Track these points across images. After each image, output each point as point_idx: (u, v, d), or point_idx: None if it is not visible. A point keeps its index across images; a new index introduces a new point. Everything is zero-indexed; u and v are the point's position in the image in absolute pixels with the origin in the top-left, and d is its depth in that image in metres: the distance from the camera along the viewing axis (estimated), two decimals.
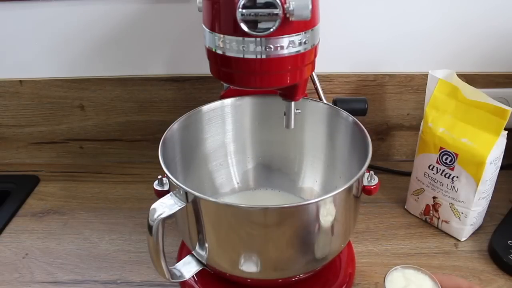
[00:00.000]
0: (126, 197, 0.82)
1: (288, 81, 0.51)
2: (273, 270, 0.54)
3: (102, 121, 0.89)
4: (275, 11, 0.43)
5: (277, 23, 0.44)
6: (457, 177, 0.66)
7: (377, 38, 0.81)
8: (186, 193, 0.49)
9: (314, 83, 0.74)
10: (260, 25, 0.45)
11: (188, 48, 0.83)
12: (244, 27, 0.44)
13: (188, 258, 0.58)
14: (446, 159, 0.67)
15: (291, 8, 0.43)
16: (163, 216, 0.48)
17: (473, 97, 0.65)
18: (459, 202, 0.67)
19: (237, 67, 0.49)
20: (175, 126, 0.61)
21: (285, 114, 0.60)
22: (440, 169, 0.68)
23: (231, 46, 0.47)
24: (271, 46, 0.46)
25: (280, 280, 0.56)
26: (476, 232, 0.71)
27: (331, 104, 0.66)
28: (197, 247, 0.55)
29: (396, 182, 0.83)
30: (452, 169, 0.66)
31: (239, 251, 0.52)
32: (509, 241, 0.67)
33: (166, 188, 0.55)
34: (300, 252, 0.53)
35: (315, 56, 0.52)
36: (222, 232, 0.53)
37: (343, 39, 0.81)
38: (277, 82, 0.51)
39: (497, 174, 0.67)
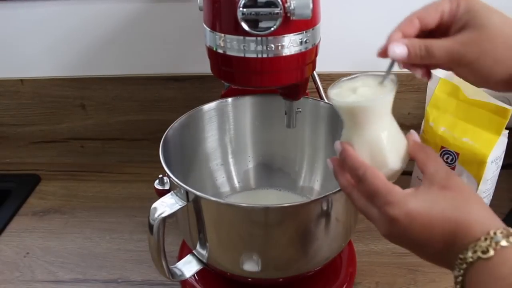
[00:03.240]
0: (127, 196, 0.82)
1: (289, 81, 0.51)
2: (274, 269, 0.54)
3: (103, 120, 0.89)
4: (276, 10, 0.43)
5: (278, 22, 0.44)
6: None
7: (378, 37, 0.81)
8: (187, 192, 0.49)
9: (315, 82, 0.73)
10: (261, 24, 0.45)
11: (189, 47, 0.83)
12: (245, 26, 0.44)
13: (188, 257, 0.58)
14: (447, 158, 0.66)
15: (292, 7, 0.43)
16: (164, 215, 0.48)
17: (475, 96, 0.65)
18: None
19: (238, 66, 0.49)
20: (176, 125, 0.61)
21: (286, 113, 0.61)
22: None
23: (232, 45, 0.47)
24: (272, 45, 0.46)
25: (281, 280, 0.56)
26: None
27: (332, 103, 0.66)
28: (197, 246, 0.55)
29: (397, 181, 0.82)
30: (453, 169, 0.66)
31: (240, 250, 0.52)
32: None
33: (167, 187, 0.55)
34: (301, 251, 0.53)
35: (316, 55, 0.52)
36: (222, 231, 0.53)
37: (344, 38, 0.81)
38: (278, 81, 0.51)
39: (498, 173, 0.67)
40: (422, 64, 0.42)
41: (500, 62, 0.39)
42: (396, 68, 0.43)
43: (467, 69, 0.40)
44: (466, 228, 0.35)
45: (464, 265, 0.34)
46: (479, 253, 0.33)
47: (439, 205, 0.37)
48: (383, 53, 0.42)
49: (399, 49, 0.41)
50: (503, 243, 0.33)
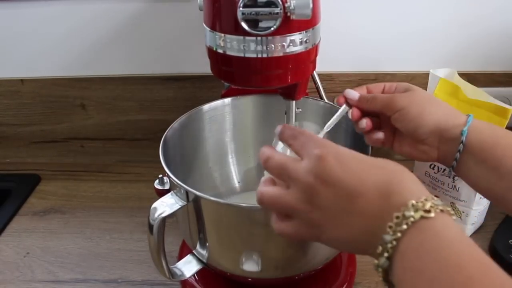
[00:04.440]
0: (127, 196, 0.82)
1: (289, 80, 0.51)
2: (274, 269, 0.54)
3: (103, 120, 0.89)
4: (276, 10, 0.43)
5: (278, 22, 0.44)
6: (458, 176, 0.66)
7: (378, 37, 0.81)
8: (187, 192, 0.49)
9: (315, 82, 0.73)
10: (261, 24, 0.45)
11: (189, 47, 0.83)
12: (245, 26, 0.44)
13: (188, 257, 0.58)
14: None
15: (292, 7, 0.43)
16: (164, 215, 0.48)
17: (475, 96, 0.65)
18: (460, 201, 0.67)
19: (238, 66, 0.49)
20: (176, 125, 0.61)
21: (286, 113, 0.60)
22: (441, 168, 0.68)
23: (232, 45, 0.47)
24: (272, 45, 0.46)
25: (281, 280, 0.56)
26: (477, 231, 0.71)
27: (332, 103, 0.66)
28: (197, 246, 0.55)
29: None
30: None
31: (239, 250, 0.52)
32: (510, 240, 0.67)
33: (167, 187, 0.55)
34: (301, 251, 0.53)
35: (316, 55, 0.52)
36: (222, 231, 0.53)
37: (344, 38, 0.81)
38: (278, 81, 0.51)
39: None
40: (369, 118, 0.52)
41: (425, 112, 0.47)
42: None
43: (400, 114, 0.48)
44: (403, 182, 0.34)
45: (404, 226, 0.31)
46: (421, 212, 0.31)
47: (371, 158, 0.37)
48: (340, 99, 0.53)
49: (353, 93, 0.52)
50: (441, 207, 0.32)
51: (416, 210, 0.31)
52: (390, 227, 0.32)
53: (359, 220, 0.34)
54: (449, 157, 0.48)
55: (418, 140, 0.49)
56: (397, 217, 0.32)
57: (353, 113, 0.52)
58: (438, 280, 0.29)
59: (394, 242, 0.31)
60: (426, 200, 0.32)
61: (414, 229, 0.31)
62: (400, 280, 0.31)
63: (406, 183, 0.34)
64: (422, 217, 0.31)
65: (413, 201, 0.32)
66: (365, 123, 0.51)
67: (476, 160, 0.46)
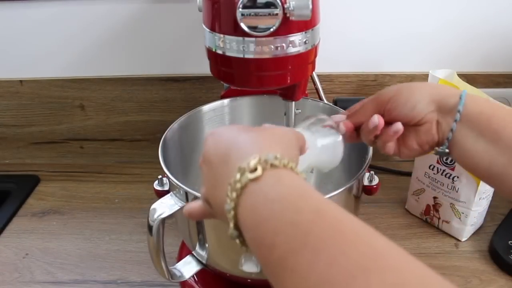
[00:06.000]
0: (126, 197, 0.82)
1: (288, 81, 0.51)
2: None
3: (102, 121, 0.89)
4: (275, 11, 0.43)
5: (277, 23, 0.44)
6: (458, 177, 0.66)
7: (377, 38, 0.81)
8: (186, 193, 0.49)
9: (315, 83, 0.74)
10: (260, 25, 0.45)
11: (188, 48, 0.83)
12: (244, 27, 0.44)
13: (188, 258, 0.58)
14: (447, 159, 0.66)
15: (291, 8, 0.43)
16: (163, 216, 0.48)
17: None
18: (459, 202, 0.67)
19: (237, 67, 0.49)
20: (175, 126, 0.61)
21: (285, 114, 0.60)
22: (440, 169, 0.68)
23: (231, 46, 0.47)
24: (272, 46, 0.46)
25: None
26: (476, 232, 0.71)
27: (331, 104, 0.66)
28: (197, 247, 0.55)
29: (397, 182, 0.83)
30: (453, 169, 0.66)
31: (239, 251, 0.52)
32: (509, 241, 0.67)
33: (166, 188, 0.55)
34: None
35: (315, 56, 0.52)
36: (222, 232, 0.52)
37: (343, 39, 0.81)
38: (277, 82, 0.51)
39: None
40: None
41: (416, 90, 0.46)
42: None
43: (392, 101, 0.46)
44: (241, 149, 0.34)
45: (234, 194, 0.30)
46: (248, 174, 0.30)
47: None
48: (341, 128, 0.52)
49: (339, 116, 0.52)
50: (273, 161, 0.31)
51: (242, 173, 0.30)
52: (228, 195, 0.31)
53: (220, 187, 0.34)
54: (448, 132, 0.45)
55: (418, 122, 0.46)
56: (230, 184, 0.31)
57: (345, 124, 0.50)
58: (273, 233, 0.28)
59: (232, 212, 0.31)
60: (254, 158, 0.31)
61: (245, 195, 0.30)
62: (250, 246, 0.31)
63: (247, 150, 0.33)
64: (250, 180, 0.30)
65: (240, 165, 0.31)
66: (377, 118, 0.47)
67: (475, 133, 0.43)
